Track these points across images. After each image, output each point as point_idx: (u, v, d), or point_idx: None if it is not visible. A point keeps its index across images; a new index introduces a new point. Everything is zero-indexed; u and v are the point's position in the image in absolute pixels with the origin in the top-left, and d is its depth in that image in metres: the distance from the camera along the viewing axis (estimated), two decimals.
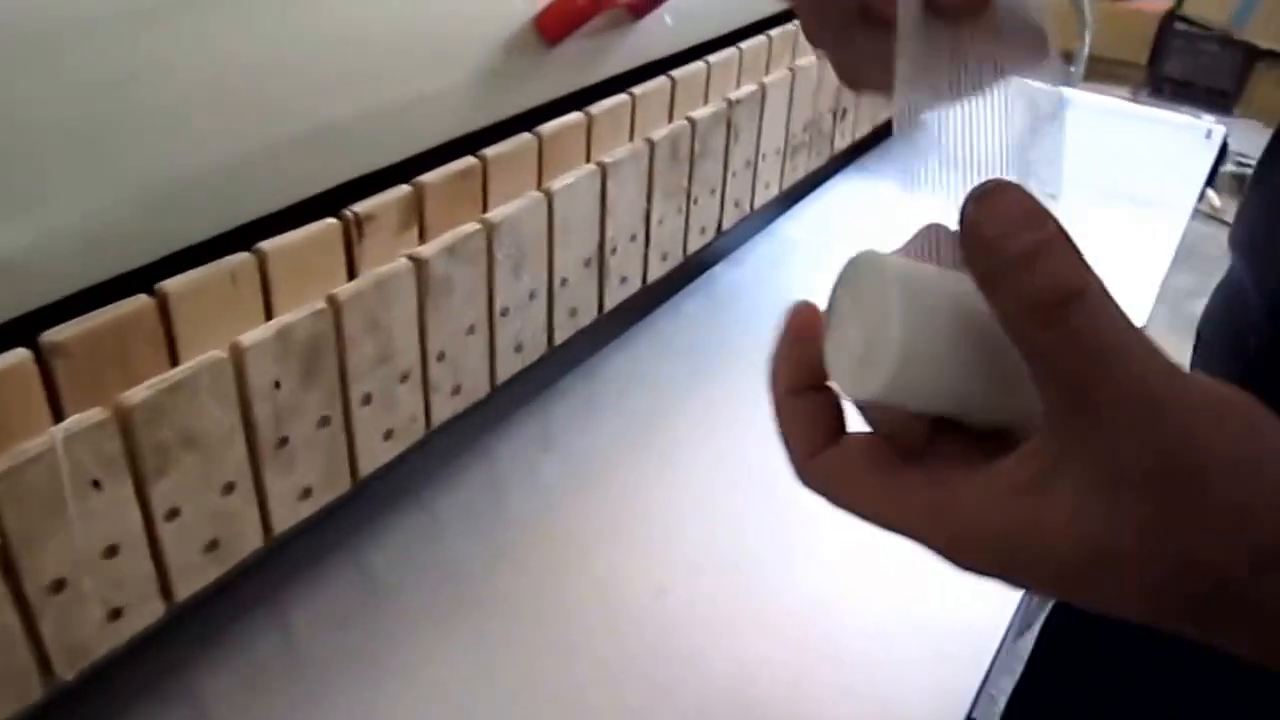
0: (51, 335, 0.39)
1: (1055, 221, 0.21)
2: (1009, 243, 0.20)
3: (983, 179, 0.21)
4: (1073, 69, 1.29)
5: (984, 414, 0.23)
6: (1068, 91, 1.16)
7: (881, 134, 1.01)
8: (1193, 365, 0.49)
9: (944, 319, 0.22)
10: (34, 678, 0.38)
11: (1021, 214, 0.20)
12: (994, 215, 0.20)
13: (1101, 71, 3.32)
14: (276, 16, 0.51)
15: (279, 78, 0.50)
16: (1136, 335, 0.20)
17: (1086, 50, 1.27)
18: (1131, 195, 0.96)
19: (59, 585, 0.38)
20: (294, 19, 0.52)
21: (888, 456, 0.23)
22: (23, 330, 0.39)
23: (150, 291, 0.42)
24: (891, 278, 0.22)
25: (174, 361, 0.43)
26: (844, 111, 0.89)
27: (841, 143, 0.91)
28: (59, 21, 0.41)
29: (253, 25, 0.51)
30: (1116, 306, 0.20)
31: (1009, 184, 0.21)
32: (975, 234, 0.21)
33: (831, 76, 0.84)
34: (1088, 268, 0.20)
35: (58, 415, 0.39)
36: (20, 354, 0.38)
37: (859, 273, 0.23)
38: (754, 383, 0.73)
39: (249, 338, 0.42)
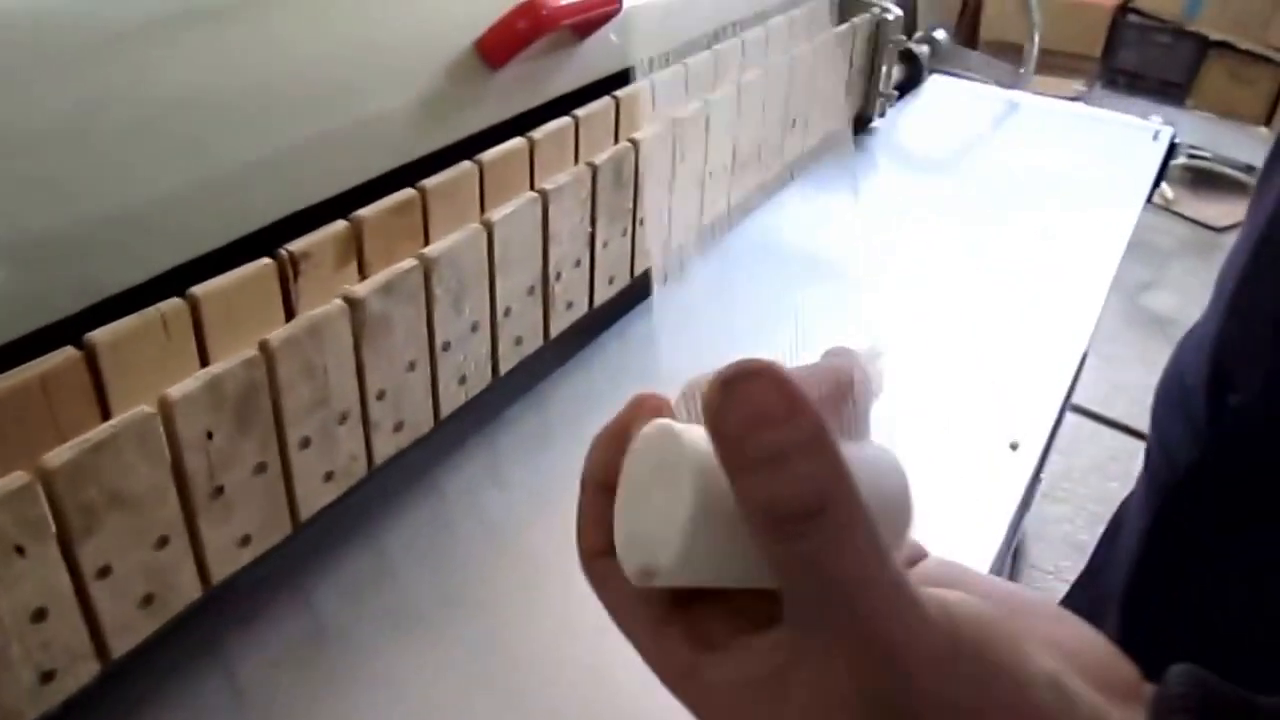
0: None
1: (809, 417, 0.19)
2: (749, 443, 0.18)
3: None
4: (1022, 70, 1.30)
5: (766, 584, 0.22)
6: (1016, 94, 1.17)
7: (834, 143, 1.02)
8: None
9: (729, 504, 0.20)
10: None
11: (770, 408, 0.18)
12: (739, 407, 0.19)
13: (1055, 65, 3.36)
14: (204, 46, 0.51)
15: (207, 111, 0.49)
16: (877, 563, 0.19)
17: (1035, 50, 1.28)
18: (1081, 194, 0.97)
19: None
20: (223, 47, 0.51)
21: (658, 609, 0.23)
22: None
23: (78, 343, 0.41)
24: (684, 466, 0.21)
25: (105, 413, 0.42)
26: (793, 122, 0.89)
27: (791, 155, 0.91)
28: None
29: (180, 56, 0.50)
30: (863, 526, 0.19)
31: (762, 369, 0.19)
32: (717, 426, 0.19)
33: (780, 90, 0.84)
34: (838, 476, 0.19)
35: None
36: None
37: (650, 449, 0.22)
38: None
39: (177, 390, 0.41)
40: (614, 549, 0.23)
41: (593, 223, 0.64)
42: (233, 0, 0.54)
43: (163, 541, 0.42)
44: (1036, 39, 1.24)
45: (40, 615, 0.38)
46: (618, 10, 0.69)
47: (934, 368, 0.72)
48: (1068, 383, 0.71)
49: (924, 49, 1.24)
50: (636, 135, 0.67)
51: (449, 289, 0.53)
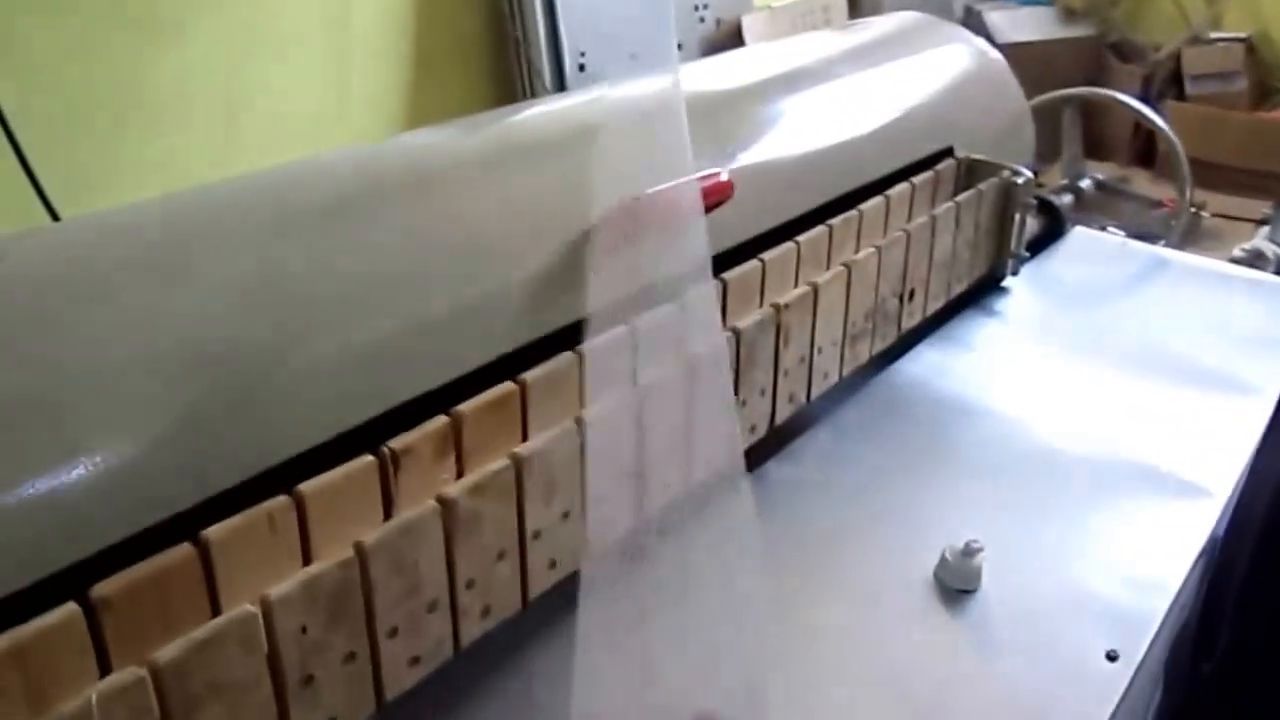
0: (100, 589, 0.43)
1: None
2: None
3: None
4: (1174, 222, 1.26)
5: None
6: (1167, 252, 1.13)
7: (957, 306, 1.01)
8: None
9: None
10: None
11: None
12: None
13: (1242, 183, 3.19)
14: (314, 242, 0.56)
15: (318, 304, 0.55)
16: None
17: (1188, 203, 1.24)
18: (1220, 373, 0.92)
19: None
20: (336, 243, 0.57)
21: None
22: (70, 580, 0.43)
23: (193, 539, 0.46)
24: None
25: (214, 605, 0.47)
26: (911, 293, 0.90)
27: (910, 322, 0.91)
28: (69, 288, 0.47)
29: (291, 252, 0.56)
30: None
31: None
32: None
33: (895, 259, 0.85)
34: None
35: (102, 661, 0.44)
36: (70, 610, 0.42)
37: None
38: (811, 585, 0.71)
39: (278, 591, 0.45)
40: None
41: (690, 409, 0.66)
42: (336, 198, 0.60)
43: None
44: (1188, 193, 1.20)
45: None
46: (730, 197, 0.73)
47: (1036, 564, 0.70)
48: (1175, 590, 0.67)
49: (1066, 199, 1.22)
50: (739, 325, 0.69)
51: (539, 483, 0.56)
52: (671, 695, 0.27)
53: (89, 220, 0.57)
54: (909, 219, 0.90)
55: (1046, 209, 1.19)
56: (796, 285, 0.77)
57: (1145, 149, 3.39)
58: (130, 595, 0.44)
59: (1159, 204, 1.46)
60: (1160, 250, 1.18)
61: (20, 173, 1.23)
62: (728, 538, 0.57)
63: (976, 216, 0.97)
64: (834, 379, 0.82)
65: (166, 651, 0.42)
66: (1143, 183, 3.16)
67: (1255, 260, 2.15)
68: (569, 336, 0.63)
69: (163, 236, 0.55)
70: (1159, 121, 1.22)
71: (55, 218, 1.26)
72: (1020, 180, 0.99)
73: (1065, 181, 1.28)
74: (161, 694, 0.42)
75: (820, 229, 0.81)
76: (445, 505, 0.51)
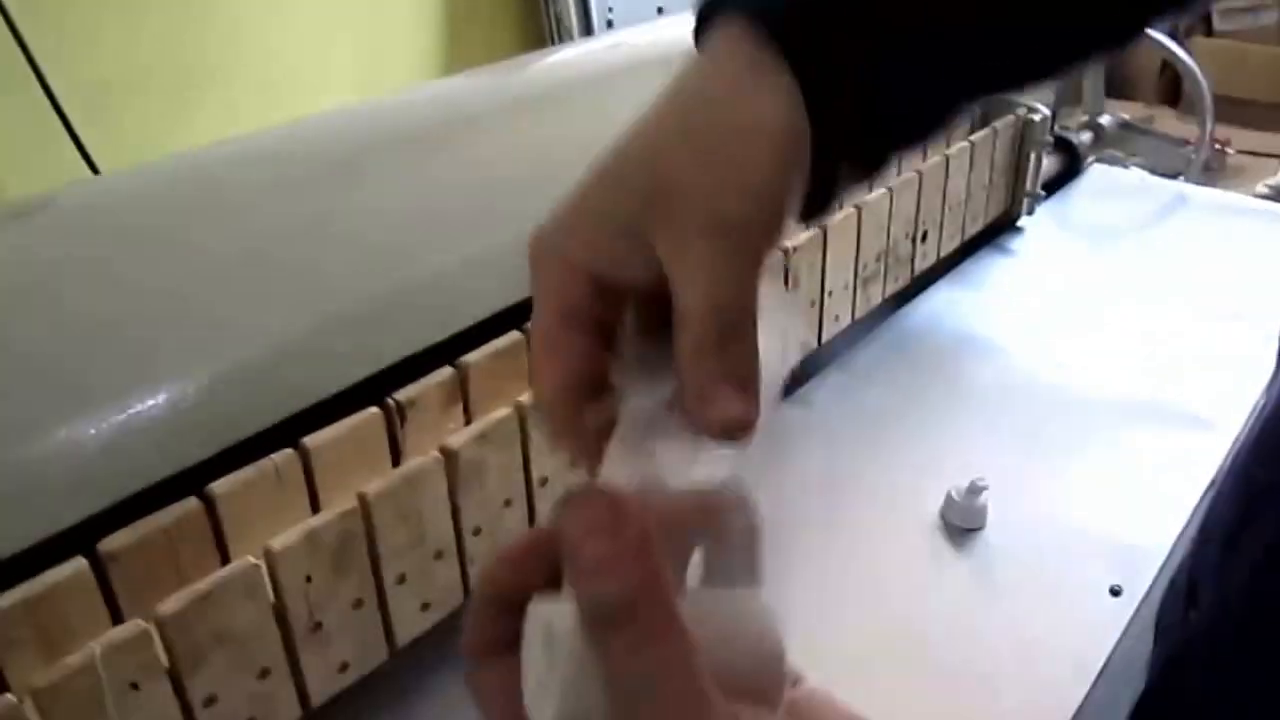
0: (107, 544, 0.44)
1: (632, 533, 0.21)
2: (579, 551, 0.22)
3: None
4: (1194, 156, 1.24)
5: None
6: (1187, 188, 1.11)
7: (971, 246, 1.00)
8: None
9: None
10: None
11: (599, 522, 0.22)
12: (574, 522, 0.22)
13: (1271, 120, 3.11)
14: (322, 198, 0.56)
15: (323, 260, 0.54)
16: (682, 669, 0.21)
17: (1208, 137, 1.21)
18: (1243, 309, 0.91)
19: None
20: (340, 202, 0.57)
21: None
22: (80, 536, 0.44)
23: (199, 493, 0.46)
24: (563, 651, 0.23)
25: (223, 556, 0.47)
26: (924, 234, 0.88)
27: (923, 264, 0.90)
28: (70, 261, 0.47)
29: (300, 209, 0.55)
30: (670, 633, 0.21)
31: (596, 490, 0.23)
32: (560, 535, 0.22)
33: (907, 200, 0.83)
34: (652, 587, 0.21)
35: (114, 611, 0.44)
36: (78, 564, 0.42)
37: (538, 629, 0.24)
38: (819, 524, 0.71)
39: (280, 542, 0.46)
40: (492, 649, 0.25)
41: None
42: (349, 154, 0.59)
43: (264, 672, 0.47)
44: (1210, 127, 1.17)
45: None
46: None
47: (1040, 504, 0.69)
48: (1180, 525, 0.67)
49: (1085, 137, 1.20)
50: None
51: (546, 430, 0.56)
52: None
53: (123, 176, 0.57)
54: (923, 159, 0.89)
55: (1064, 146, 1.16)
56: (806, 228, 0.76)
57: (1171, 88, 3.32)
58: (138, 550, 0.44)
59: (1184, 142, 1.43)
60: (1181, 185, 1.16)
61: (59, 137, 1.23)
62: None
63: (991, 155, 0.95)
64: (845, 321, 0.81)
65: (169, 604, 0.42)
66: (1169, 122, 3.09)
67: (1279, 196, 2.11)
68: None
69: (174, 193, 0.55)
70: (1178, 51, 1.18)
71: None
72: (1036, 117, 0.97)
73: (1086, 119, 1.26)
74: (168, 645, 0.43)
75: None
76: (447, 455, 0.51)
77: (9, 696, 0.38)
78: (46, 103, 1.22)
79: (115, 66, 1.42)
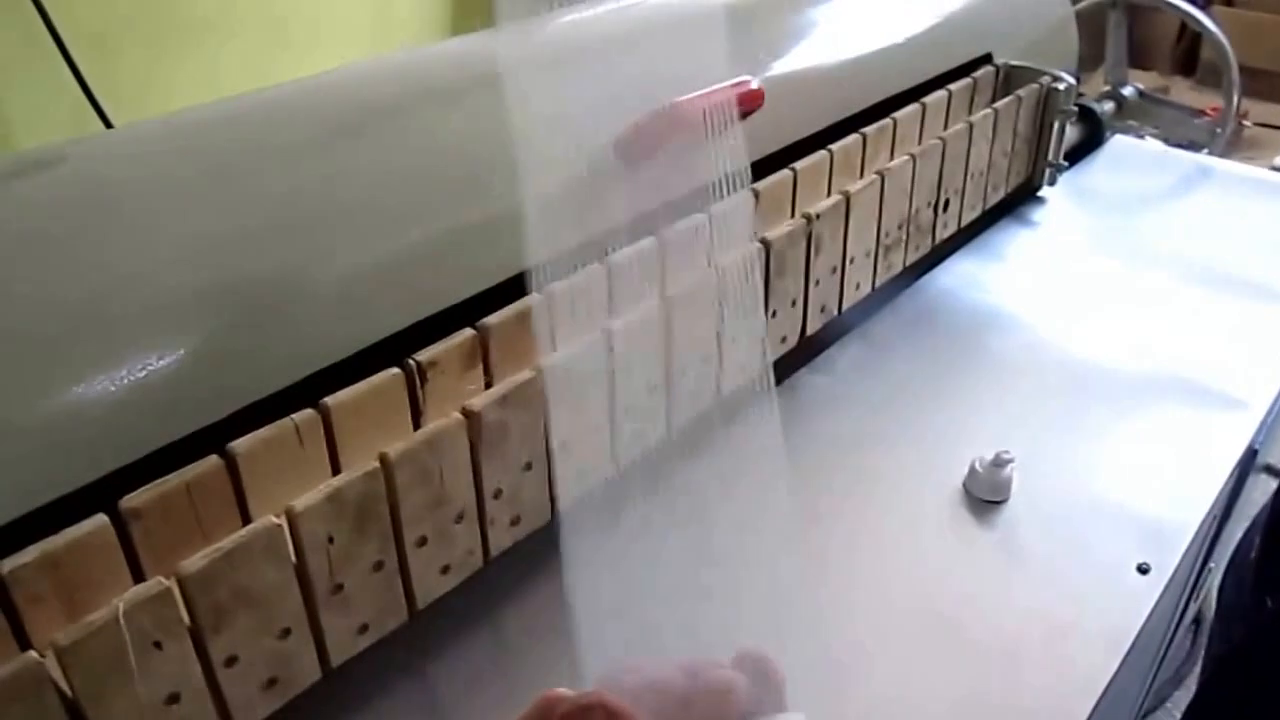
0: (129, 500, 0.43)
1: None
2: None
3: None
4: (1219, 130, 1.22)
5: None
6: (1209, 160, 1.09)
7: (992, 216, 0.98)
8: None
9: None
10: None
11: None
12: None
13: None
14: (341, 156, 0.55)
15: (343, 218, 0.53)
16: None
17: (1234, 111, 1.19)
18: (1265, 287, 0.90)
19: None
20: (358, 158, 0.56)
21: None
22: (101, 493, 0.43)
23: (220, 451, 0.46)
24: None
25: (244, 514, 0.47)
26: (946, 203, 0.87)
27: (944, 232, 0.89)
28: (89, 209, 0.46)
29: (321, 168, 0.54)
30: None
31: (595, 704, 0.25)
32: None
33: (930, 168, 0.82)
34: None
35: (135, 568, 0.44)
36: (99, 521, 0.42)
37: None
38: (840, 495, 0.71)
39: (302, 502, 0.45)
40: None
41: (721, 319, 0.65)
42: (368, 109, 0.58)
43: (285, 632, 0.47)
44: (1236, 99, 1.16)
45: (173, 699, 0.43)
46: (760, 105, 0.70)
47: (1069, 479, 0.69)
48: (1209, 503, 0.66)
49: (1107, 106, 1.18)
50: (769, 235, 0.67)
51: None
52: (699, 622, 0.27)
53: (139, 128, 0.56)
54: (945, 127, 0.87)
55: (1086, 116, 1.15)
56: (829, 195, 0.74)
57: (1186, 57, 3.28)
58: (159, 507, 0.44)
59: (1200, 113, 1.41)
60: (1202, 158, 1.14)
61: (70, 86, 1.22)
62: (753, 455, 0.56)
63: (1014, 124, 0.93)
64: (866, 290, 0.81)
65: (192, 563, 0.42)
66: (1184, 91, 3.06)
67: None
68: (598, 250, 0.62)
69: (194, 148, 0.54)
70: (1208, 23, 1.16)
71: (109, 127, 1.25)
72: (1061, 87, 0.95)
73: (1107, 88, 1.24)
74: (190, 603, 0.42)
75: (854, 137, 0.78)
76: (470, 417, 0.51)
77: (32, 653, 0.38)
78: (52, 53, 1.20)
79: (112, 17, 1.40)
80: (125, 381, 0.45)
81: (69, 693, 0.40)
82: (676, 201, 0.67)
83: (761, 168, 0.72)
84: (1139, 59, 3.06)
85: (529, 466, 0.55)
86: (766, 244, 0.67)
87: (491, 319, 0.55)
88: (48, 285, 0.45)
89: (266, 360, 0.49)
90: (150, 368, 0.46)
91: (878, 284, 0.82)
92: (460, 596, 0.56)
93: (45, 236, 0.46)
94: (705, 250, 0.65)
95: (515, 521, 0.56)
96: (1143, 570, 0.61)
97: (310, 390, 0.50)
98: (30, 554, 0.40)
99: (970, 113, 0.89)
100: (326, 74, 0.63)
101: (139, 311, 0.46)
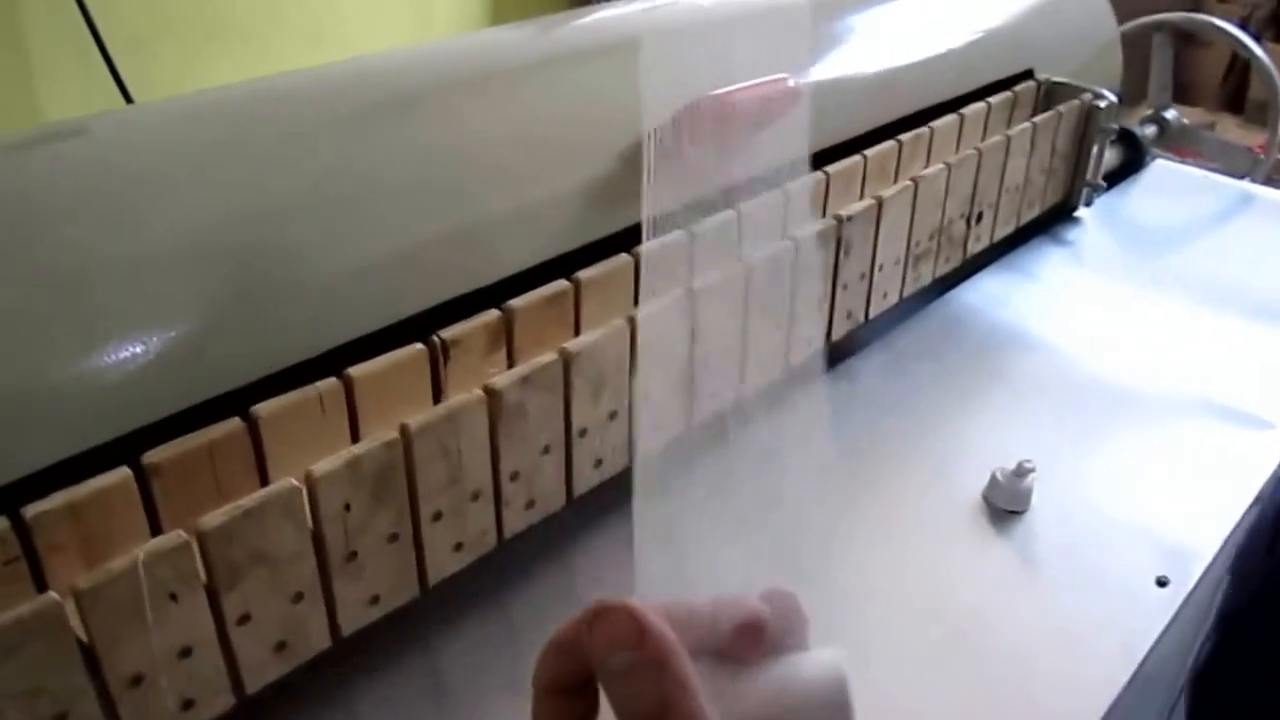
0: (152, 455, 0.44)
1: (653, 642, 0.24)
2: (608, 663, 0.24)
3: None
4: (1263, 157, 1.21)
5: None
6: (1253, 188, 1.08)
7: (1026, 234, 0.98)
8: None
9: None
10: None
11: (622, 636, 0.24)
12: (600, 635, 0.24)
13: None
14: (378, 137, 0.56)
15: (378, 197, 0.54)
16: None
17: (1278, 140, 1.18)
18: None
19: (136, 680, 0.42)
20: (395, 139, 0.57)
21: None
22: (125, 449, 0.44)
23: (243, 414, 0.47)
24: None
25: (263, 478, 0.47)
26: (979, 216, 0.87)
27: (976, 246, 0.89)
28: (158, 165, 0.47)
29: (356, 148, 0.55)
30: None
31: (618, 606, 0.24)
32: (590, 648, 0.25)
33: (964, 179, 0.82)
34: (679, 688, 0.23)
35: (154, 523, 0.45)
36: (122, 473, 0.43)
37: None
38: (859, 500, 0.71)
39: (321, 467, 0.46)
40: (556, 688, 0.27)
41: (745, 316, 0.65)
42: (406, 93, 0.59)
43: (298, 596, 0.47)
44: None
45: (186, 652, 0.44)
46: (795, 104, 0.70)
47: (1090, 489, 0.68)
48: (1233, 521, 0.65)
49: (1149, 130, 1.17)
50: (797, 233, 0.67)
51: (588, 380, 0.56)
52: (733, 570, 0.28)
53: (166, 105, 0.57)
54: (983, 139, 0.87)
55: (1127, 139, 1.14)
56: (861, 200, 0.74)
57: (1235, 94, 3.24)
58: (180, 464, 0.44)
59: (1247, 150, 1.39)
60: (1245, 185, 1.13)
61: (106, 85, 1.24)
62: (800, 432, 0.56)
63: (1053, 140, 0.93)
64: (894, 299, 0.80)
65: (212, 518, 0.43)
66: (1230, 129, 3.02)
67: None
68: (627, 240, 0.62)
69: (235, 124, 0.55)
70: (1256, 49, 1.15)
71: None
72: (1102, 104, 0.95)
73: (1150, 112, 1.23)
74: (206, 559, 0.43)
75: (889, 144, 0.78)
76: (491, 395, 0.51)
77: (52, 594, 0.39)
78: (89, 53, 1.23)
79: (152, 18, 1.43)
80: (152, 341, 0.46)
81: (85, 638, 0.40)
82: (713, 194, 0.67)
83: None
84: (1186, 95, 3.03)
85: (547, 450, 0.56)
86: (794, 242, 0.67)
87: (517, 301, 0.55)
88: (85, 245, 0.46)
89: (291, 330, 0.50)
90: (180, 330, 0.47)
91: (906, 294, 0.82)
92: (472, 577, 0.57)
93: (79, 198, 0.47)
94: (781, 226, 0.65)
95: (530, 505, 0.57)
96: (1161, 583, 0.60)
97: (334, 365, 0.50)
98: (54, 501, 0.41)
99: (1009, 127, 0.89)
100: (358, 58, 0.64)
101: (168, 273, 0.47)
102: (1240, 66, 3.28)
